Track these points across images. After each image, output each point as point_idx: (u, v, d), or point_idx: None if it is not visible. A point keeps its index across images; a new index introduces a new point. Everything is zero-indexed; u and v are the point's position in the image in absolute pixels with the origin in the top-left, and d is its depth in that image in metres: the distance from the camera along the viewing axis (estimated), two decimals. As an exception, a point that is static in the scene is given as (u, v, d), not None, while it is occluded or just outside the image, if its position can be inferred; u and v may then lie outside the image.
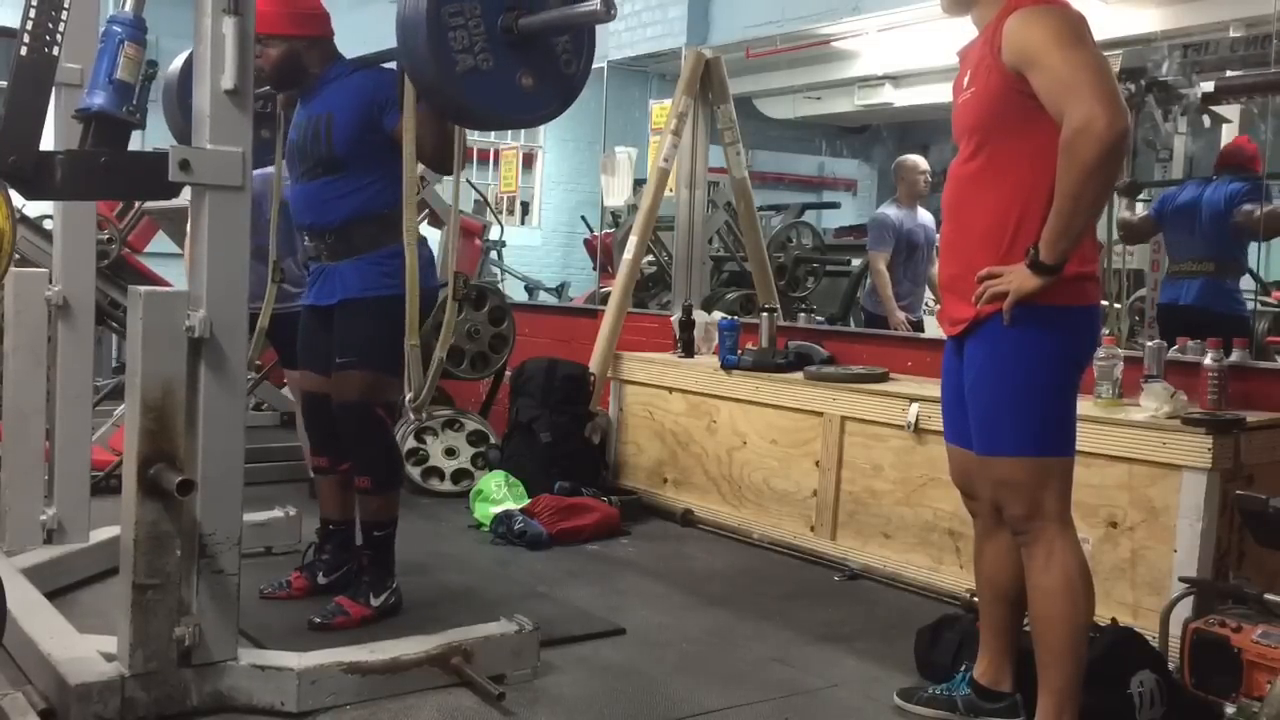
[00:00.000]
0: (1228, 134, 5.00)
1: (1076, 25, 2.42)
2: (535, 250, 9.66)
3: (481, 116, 2.80)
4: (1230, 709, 2.65)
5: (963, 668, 2.85)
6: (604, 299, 5.90)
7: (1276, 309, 5.01)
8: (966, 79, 2.61)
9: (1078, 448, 3.52)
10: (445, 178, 4.75)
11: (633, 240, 5.48)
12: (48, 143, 2.83)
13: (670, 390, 5.02)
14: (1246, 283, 4.73)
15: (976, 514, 2.77)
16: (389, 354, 3.15)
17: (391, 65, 3.24)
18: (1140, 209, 5.03)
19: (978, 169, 2.56)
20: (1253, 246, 4.74)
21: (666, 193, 5.58)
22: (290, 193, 3.53)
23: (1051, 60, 2.37)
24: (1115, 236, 4.89)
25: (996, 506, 2.62)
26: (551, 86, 2.77)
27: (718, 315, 5.30)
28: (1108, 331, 4.36)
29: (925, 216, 5.83)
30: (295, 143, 3.44)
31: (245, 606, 2.76)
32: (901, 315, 5.64)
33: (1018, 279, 2.43)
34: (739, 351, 4.79)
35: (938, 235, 5.49)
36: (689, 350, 5.13)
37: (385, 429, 3.41)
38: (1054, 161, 2.39)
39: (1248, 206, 4.50)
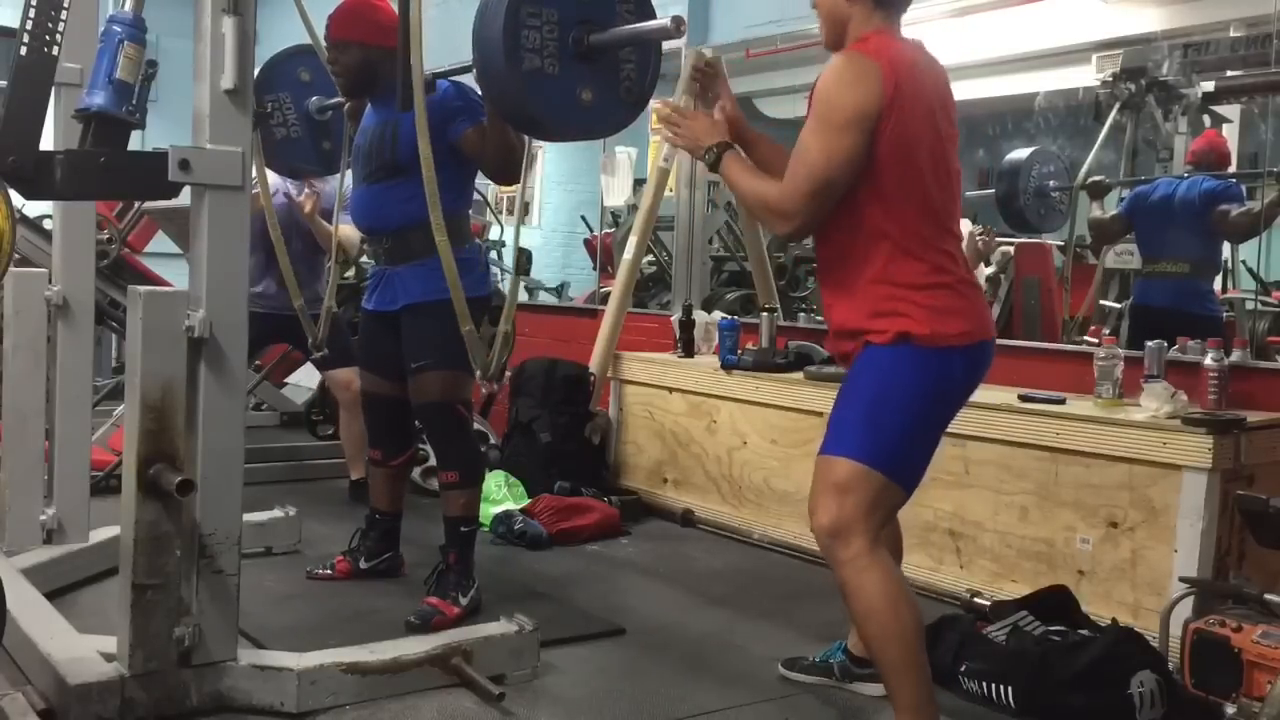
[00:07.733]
0: (1228, 134, 4.99)
1: (850, 83, 2.42)
2: (535, 250, 9.60)
3: (537, 120, 2.85)
4: (1230, 709, 2.65)
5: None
6: (604, 299, 5.90)
7: (1276, 309, 5.00)
8: None
9: (1077, 447, 3.53)
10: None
11: (633, 240, 5.47)
12: (48, 143, 2.83)
13: (670, 390, 5.02)
14: (1243, 282, 4.71)
15: None
16: (461, 353, 3.25)
17: (460, 79, 3.30)
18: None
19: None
20: (1254, 247, 4.72)
21: (666, 193, 5.57)
22: (353, 195, 3.63)
23: (807, 129, 2.46)
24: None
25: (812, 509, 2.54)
26: (608, 106, 2.84)
27: (718, 315, 5.29)
28: (1107, 331, 4.36)
29: None
30: (362, 147, 3.55)
31: (245, 606, 2.75)
32: None
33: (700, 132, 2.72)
34: (739, 351, 4.78)
35: None
36: (689, 350, 5.13)
37: (467, 425, 3.52)
38: (888, 203, 2.45)
39: (1224, 206, 4.48)
